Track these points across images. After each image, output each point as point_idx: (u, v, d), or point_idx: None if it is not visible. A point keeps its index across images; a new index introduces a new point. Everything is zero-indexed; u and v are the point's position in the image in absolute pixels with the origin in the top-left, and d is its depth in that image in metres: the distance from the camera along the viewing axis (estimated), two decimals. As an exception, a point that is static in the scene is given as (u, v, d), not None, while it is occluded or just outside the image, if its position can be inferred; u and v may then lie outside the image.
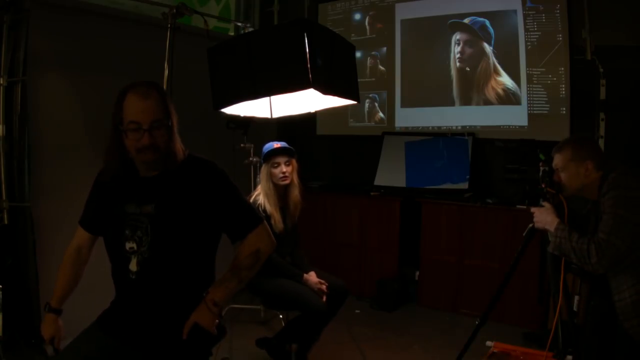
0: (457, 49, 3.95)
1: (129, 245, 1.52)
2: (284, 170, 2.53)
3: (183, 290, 1.54)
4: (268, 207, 2.51)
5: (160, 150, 1.49)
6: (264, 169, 2.58)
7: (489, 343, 2.88)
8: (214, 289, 1.52)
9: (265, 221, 1.62)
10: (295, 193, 2.61)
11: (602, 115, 3.28)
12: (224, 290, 1.52)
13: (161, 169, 1.55)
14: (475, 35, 3.87)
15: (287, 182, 2.55)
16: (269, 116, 2.03)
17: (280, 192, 2.59)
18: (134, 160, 1.54)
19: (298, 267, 2.61)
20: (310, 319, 2.42)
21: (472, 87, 3.92)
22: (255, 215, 1.61)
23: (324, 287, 2.50)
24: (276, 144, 2.58)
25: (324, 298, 2.47)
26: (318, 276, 2.56)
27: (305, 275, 2.52)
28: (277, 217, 2.52)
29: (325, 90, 1.69)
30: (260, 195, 2.56)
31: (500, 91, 3.81)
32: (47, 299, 1.66)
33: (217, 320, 1.51)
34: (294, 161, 2.59)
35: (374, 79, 4.37)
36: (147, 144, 1.46)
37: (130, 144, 1.48)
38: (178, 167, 1.56)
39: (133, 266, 1.52)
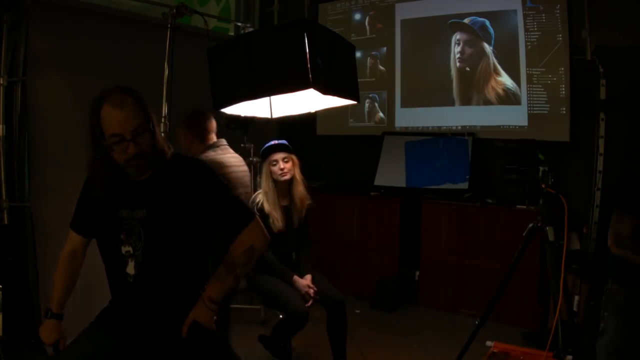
0: (457, 49, 3.95)
1: (125, 249, 1.51)
2: (282, 166, 2.51)
3: (180, 289, 1.54)
4: (266, 206, 2.49)
5: (147, 155, 1.48)
6: (264, 168, 2.57)
7: (489, 343, 2.88)
8: (211, 286, 1.51)
9: (257, 217, 1.60)
10: (300, 189, 2.59)
11: (602, 115, 3.28)
12: (220, 287, 1.51)
13: (151, 171, 1.54)
14: (475, 35, 3.87)
15: (287, 177, 2.53)
16: (269, 116, 2.03)
17: (284, 190, 2.58)
18: (124, 168, 1.51)
19: (299, 267, 2.61)
20: (288, 321, 2.40)
21: (472, 87, 3.92)
22: (247, 212, 1.60)
23: (311, 291, 2.46)
24: (273, 142, 2.57)
25: (309, 303, 2.44)
26: (314, 282, 2.52)
27: (295, 276, 2.50)
28: (275, 216, 2.50)
29: (325, 90, 1.68)
30: (260, 194, 2.56)
31: (500, 91, 3.81)
32: (47, 299, 1.66)
33: (215, 317, 1.51)
34: (293, 157, 2.57)
35: (374, 79, 4.37)
36: (133, 153, 1.44)
37: (118, 156, 1.45)
38: (166, 168, 1.54)
39: (130, 269, 1.51)
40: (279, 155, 2.53)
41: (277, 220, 2.50)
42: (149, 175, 1.54)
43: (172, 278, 1.53)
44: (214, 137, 2.69)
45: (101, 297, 1.65)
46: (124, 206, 1.53)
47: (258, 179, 2.64)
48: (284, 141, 2.59)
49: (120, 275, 1.53)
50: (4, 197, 2.70)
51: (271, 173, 2.54)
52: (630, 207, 1.66)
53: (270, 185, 2.54)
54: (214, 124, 2.69)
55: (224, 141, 2.69)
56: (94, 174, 1.53)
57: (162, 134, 1.56)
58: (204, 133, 2.64)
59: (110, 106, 1.41)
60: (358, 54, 4.25)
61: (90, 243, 1.70)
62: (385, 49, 4.31)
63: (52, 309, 1.63)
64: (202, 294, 1.50)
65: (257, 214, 1.95)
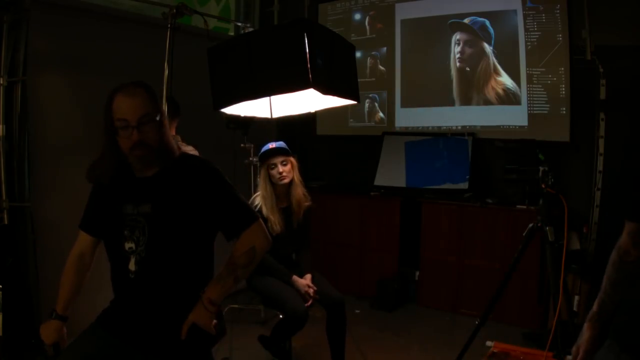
0: (457, 49, 3.95)
1: (127, 245, 1.53)
2: (281, 170, 2.50)
3: (182, 288, 1.54)
4: (264, 210, 2.49)
5: (151, 146, 1.50)
6: (262, 172, 2.56)
7: (489, 343, 2.88)
8: (211, 287, 1.52)
9: (260, 219, 1.61)
10: (298, 191, 2.58)
11: (602, 115, 3.28)
12: (221, 289, 1.52)
13: (157, 167, 1.56)
14: (475, 35, 3.87)
15: (286, 181, 2.52)
16: (269, 116, 2.03)
17: (283, 193, 2.57)
18: (129, 159, 1.55)
19: (299, 267, 2.61)
20: (287, 321, 2.40)
21: (472, 87, 3.92)
22: (250, 213, 1.61)
23: (311, 291, 2.46)
24: (271, 145, 2.55)
25: (309, 302, 2.43)
26: (314, 282, 2.52)
27: (294, 276, 2.50)
28: (274, 220, 2.49)
29: (325, 90, 1.69)
30: (258, 197, 2.55)
31: (500, 91, 3.81)
32: (47, 299, 1.66)
33: (215, 321, 1.51)
34: (292, 159, 2.55)
35: (374, 79, 4.37)
36: (136, 140, 1.47)
37: (122, 143, 1.49)
38: (173, 166, 1.57)
39: (132, 266, 1.52)
40: (277, 159, 2.50)
41: (275, 224, 2.49)
42: (156, 172, 1.56)
43: (173, 276, 1.53)
44: (173, 130, 2.76)
45: (105, 297, 1.65)
46: (129, 201, 1.55)
47: (258, 180, 2.63)
48: (281, 143, 2.56)
49: (122, 271, 1.54)
50: (4, 197, 2.69)
51: (270, 177, 2.52)
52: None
53: (268, 189, 2.53)
54: (178, 117, 2.77)
55: (179, 137, 2.76)
56: (102, 162, 1.55)
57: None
58: (173, 122, 2.72)
59: (122, 94, 1.49)
60: (358, 54, 4.25)
61: (97, 247, 1.70)
62: (385, 49, 4.31)
63: (57, 310, 1.63)
64: (202, 296, 1.50)
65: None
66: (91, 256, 1.70)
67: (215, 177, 1.58)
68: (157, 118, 1.51)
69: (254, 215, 1.61)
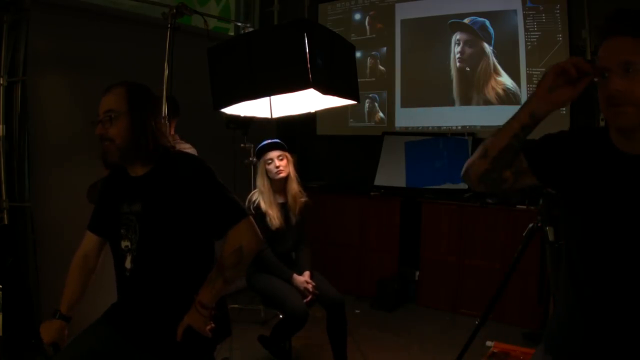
0: (457, 49, 3.95)
1: (124, 243, 1.54)
2: (278, 164, 2.53)
3: (177, 287, 1.54)
4: (262, 205, 2.51)
5: (113, 141, 1.51)
6: (259, 167, 2.60)
7: (489, 343, 2.88)
8: (202, 290, 1.50)
9: (250, 217, 1.57)
10: (293, 187, 2.60)
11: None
12: (211, 292, 1.49)
13: (147, 166, 1.56)
14: (475, 35, 3.87)
15: (283, 175, 2.54)
16: (269, 116, 2.03)
17: (280, 188, 2.59)
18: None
19: (299, 265, 2.61)
20: (287, 321, 2.40)
21: (472, 87, 3.92)
22: (238, 211, 1.55)
23: (310, 286, 2.47)
24: (267, 141, 2.59)
25: (309, 298, 2.44)
26: (313, 281, 2.52)
27: (294, 275, 2.50)
28: (272, 214, 2.51)
29: (325, 90, 1.69)
30: (256, 193, 2.57)
31: (500, 91, 3.81)
32: (47, 299, 1.66)
33: (210, 324, 1.50)
34: (287, 155, 2.58)
35: (374, 79, 4.37)
36: (97, 134, 1.52)
37: None
38: (165, 165, 1.56)
39: (128, 264, 1.54)
40: (273, 154, 2.54)
41: (274, 218, 2.51)
42: (147, 171, 1.57)
43: (166, 274, 1.53)
44: (172, 129, 2.70)
45: (103, 298, 1.65)
46: (124, 200, 1.57)
47: (257, 177, 2.65)
48: (277, 140, 2.61)
49: (121, 269, 1.56)
50: (4, 197, 2.70)
51: (267, 172, 2.56)
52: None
53: (266, 184, 2.56)
54: (177, 117, 2.72)
55: (177, 136, 2.71)
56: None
57: (160, 131, 1.59)
58: (172, 121, 2.65)
59: (105, 91, 1.55)
60: (358, 54, 4.25)
61: (103, 248, 1.71)
62: (385, 49, 4.31)
63: (61, 310, 1.63)
64: (195, 298, 1.49)
65: (253, 213, 1.96)
66: (96, 257, 1.71)
67: (203, 174, 1.56)
68: (128, 116, 1.51)
69: (243, 212, 1.56)
